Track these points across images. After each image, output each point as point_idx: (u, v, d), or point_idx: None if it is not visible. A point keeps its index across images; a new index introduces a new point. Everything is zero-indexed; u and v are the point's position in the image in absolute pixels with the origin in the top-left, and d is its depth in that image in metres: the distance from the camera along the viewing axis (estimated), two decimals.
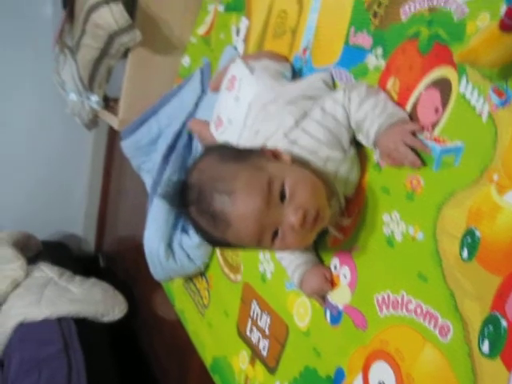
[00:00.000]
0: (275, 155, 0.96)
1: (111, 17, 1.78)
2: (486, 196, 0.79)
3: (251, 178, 0.89)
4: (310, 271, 1.08)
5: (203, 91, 1.73)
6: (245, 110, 1.15)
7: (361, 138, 1.00)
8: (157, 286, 2.05)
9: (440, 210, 0.86)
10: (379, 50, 1.04)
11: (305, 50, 1.27)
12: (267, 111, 1.09)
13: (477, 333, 0.78)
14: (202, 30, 1.90)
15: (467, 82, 0.85)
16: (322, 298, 1.09)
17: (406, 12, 0.98)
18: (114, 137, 3.05)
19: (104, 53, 1.95)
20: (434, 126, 0.89)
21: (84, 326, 2.29)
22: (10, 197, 3.12)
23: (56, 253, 3.01)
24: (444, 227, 0.85)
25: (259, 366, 1.32)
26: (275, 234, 0.90)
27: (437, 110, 0.89)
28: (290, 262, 1.11)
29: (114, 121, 2.08)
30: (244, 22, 1.59)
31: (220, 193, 0.89)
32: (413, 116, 0.94)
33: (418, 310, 0.88)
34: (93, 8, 1.82)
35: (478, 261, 0.79)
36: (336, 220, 1.04)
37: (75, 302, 2.35)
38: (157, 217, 1.63)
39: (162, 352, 2.24)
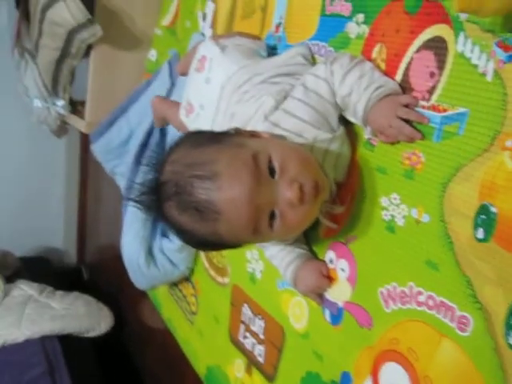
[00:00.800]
0: (253, 135, 0.85)
1: (68, 12, 1.66)
2: (500, 165, 0.68)
3: (233, 156, 0.77)
4: (303, 267, 0.97)
5: (173, 84, 1.61)
6: (217, 92, 1.03)
7: (348, 115, 0.89)
8: (143, 294, 1.94)
9: (446, 187, 0.76)
10: (360, 16, 0.93)
11: (278, 27, 1.16)
12: (242, 92, 0.98)
13: (502, 323, 0.67)
14: (166, 21, 1.79)
15: (466, 38, 0.74)
16: (319, 296, 0.98)
17: None
18: (86, 142, 2.92)
19: (65, 52, 1.82)
20: (430, 92, 0.79)
21: (69, 343, 2.17)
22: None
23: (36, 268, 2.89)
24: (452, 206, 0.75)
25: (256, 374, 1.21)
26: (272, 216, 0.79)
27: (432, 75, 0.79)
28: (282, 260, 1.00)
29: (81, 124, 1.96)
30: (210, 6, 1.48)
31: (201, 179, 0.76)
32: (405, 84, 0.83)
33: (431, 302, 0.77)
34: (47, 5, 1.70)
35: (496, 241, 0.68)
36: (327, 209, 0.93)
37: (58, 318, 2.23)
38: (133, 222, 1.52)
39: (153, 364, 2.13)
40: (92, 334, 2.30)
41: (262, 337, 1.18)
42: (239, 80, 1.00)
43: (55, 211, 3.26)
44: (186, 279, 1.58)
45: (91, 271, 3.20)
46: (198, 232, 0.81)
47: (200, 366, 1.51)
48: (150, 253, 1.53)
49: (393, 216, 0.84)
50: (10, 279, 2.53)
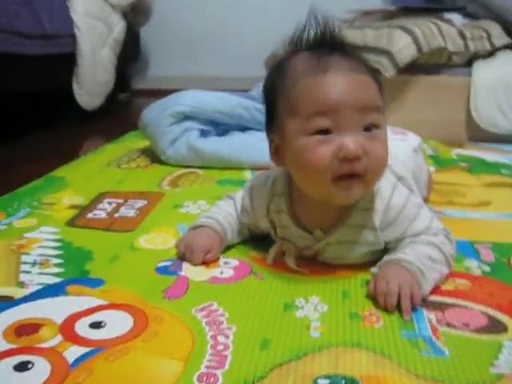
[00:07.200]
0: None
1: None
2: None
3: (373, 83, 0.83)
4: (208, 231, 1.04)
5: None
6: None
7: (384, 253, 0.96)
8: None
9: None
10: None
11: None
12: None
13: None
14: None
15: None
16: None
17: None
18: None
19: None
20: None
21: None
22: None
23: None
24: None
25: None
26: (327, 131, 0.80)
27: None
28: (223, 217, 1.07)
29: None
30: None
31: (344, 60, 0.82)
32: None
33: None
34: None
35: None
36: (299, 253, 1.01)
37: None
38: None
39: None
40: None
41: None
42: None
43: None
44: None
45: None
46: (280, 83, 0.86)
47: None
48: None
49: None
50: None
